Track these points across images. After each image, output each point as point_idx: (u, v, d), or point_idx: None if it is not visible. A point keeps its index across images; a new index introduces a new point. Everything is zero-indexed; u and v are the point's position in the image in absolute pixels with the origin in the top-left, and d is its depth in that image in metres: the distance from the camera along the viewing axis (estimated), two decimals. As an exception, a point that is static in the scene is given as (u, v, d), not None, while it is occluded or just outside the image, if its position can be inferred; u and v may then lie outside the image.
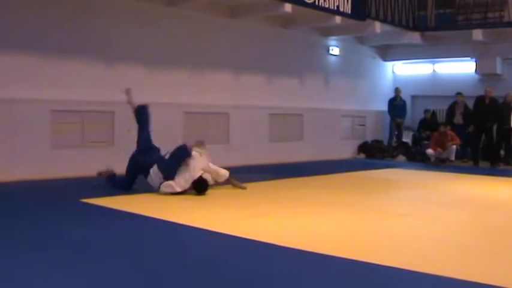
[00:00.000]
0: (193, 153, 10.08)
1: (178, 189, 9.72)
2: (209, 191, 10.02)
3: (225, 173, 10.63)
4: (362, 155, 19.36)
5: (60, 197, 9.40)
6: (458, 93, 18.29)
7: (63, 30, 12.20)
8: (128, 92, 10.81)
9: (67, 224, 7.49)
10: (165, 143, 13.23)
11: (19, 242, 6.35)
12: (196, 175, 9.85)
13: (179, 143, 12.48)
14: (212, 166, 10.50)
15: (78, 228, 7.22)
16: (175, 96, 14.16)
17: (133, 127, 10.72)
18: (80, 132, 12.49)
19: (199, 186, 9.83)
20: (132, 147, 10.47)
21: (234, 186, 10.69)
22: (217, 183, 10.52)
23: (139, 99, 13.12)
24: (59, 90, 12.13)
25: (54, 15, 12.06)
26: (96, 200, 9.02)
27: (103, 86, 12.76)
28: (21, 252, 5.83)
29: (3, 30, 11.36)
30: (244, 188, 10.63)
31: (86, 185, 10.12)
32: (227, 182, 10.67)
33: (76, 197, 9.22)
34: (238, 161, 15.15)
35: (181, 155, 10.06)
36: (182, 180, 9.77)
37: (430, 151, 17.31)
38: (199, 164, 10.07)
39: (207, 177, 10.20)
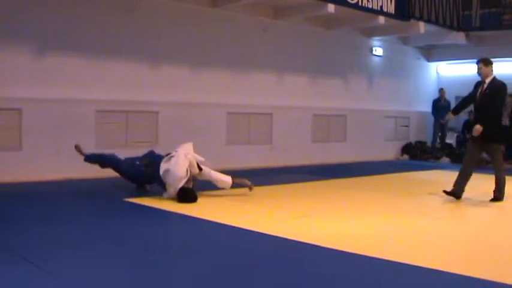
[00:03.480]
0: (173, 153, 9.51)
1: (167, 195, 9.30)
2: (249, 193, 10.04)
3: (229, 180, 9.87)
4: (405, 156, 19.24)
5: (104, 197, 9.50)
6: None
7: (108, 31, 12.35)
8: (78, 148, 10.36)
9: (114, 223, 7.60)
10: (208, 144, 13.41)
11: (71, 241, 6.46)
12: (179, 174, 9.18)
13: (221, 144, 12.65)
14: (214, 174, 9.79)
15: (124, 227, 7.33)
16: (219, 97, 14.24)
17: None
18: (124, 132, 12.62)
19: (183, 198, 9.10)
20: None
21: (243, 186, 10.19)
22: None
23: (183, 100, 13.28)
24: (104, 91, 12.29)
25: (100, 17, 12.22)
26: (139, 199, 9.13)
27: (147, 87, 12.89)
28: (74, 252, 5.93)
29: (49, 32, 11.55)
30: (250, 186, 10.11)
31: (129, 184, 10.18)
32: (234, 185, 10.11)
33: (120, 196, 9.35)
34: (280, 161, 15.21)
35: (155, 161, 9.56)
36: (172, 190, 9.23)
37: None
38: (181, 164, 9.27)
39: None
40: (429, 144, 19.68)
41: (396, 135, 19.45)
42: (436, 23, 17.47)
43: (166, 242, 6.55)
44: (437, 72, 21.41)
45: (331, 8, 14.18)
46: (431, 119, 19.59)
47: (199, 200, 9.22)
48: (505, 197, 9.87)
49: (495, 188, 9.97)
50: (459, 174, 10.05)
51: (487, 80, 10.04)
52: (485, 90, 9.99)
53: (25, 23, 11.22)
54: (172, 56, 13.45)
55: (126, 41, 12.66)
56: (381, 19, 15.69)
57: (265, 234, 6.84)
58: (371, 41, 18.59)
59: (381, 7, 15.31)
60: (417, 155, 18.97)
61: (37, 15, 11.37)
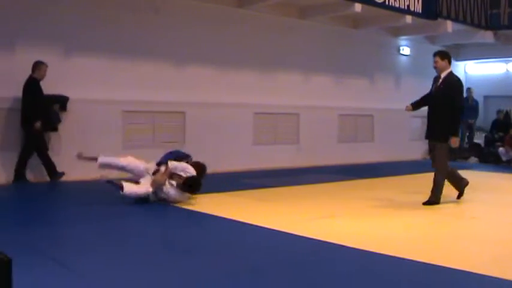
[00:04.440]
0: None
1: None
2: (275, 194, 10.02)
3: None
4: (433, 156, 19.10)
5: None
6: None
7: (135, 32, 12.43)
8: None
9: (140, 223, 7.66)
10: (235, 144, 13.48)
11: (99, 242, 6.51)
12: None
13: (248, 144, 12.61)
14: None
15: (149, 227, 7.38)
16: (245, 97, 14.25)
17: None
18: (151, 132, 12.67)
19: (192, 186, 8.89)
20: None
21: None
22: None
23: (209, 100, 13.29)
24: (131, 91, 12.36)
25: (126, 18, 12.31)
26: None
27: (174, 87, 12.94)
28: (102, 252, 5.98)
29: (78, 32, 11.65)
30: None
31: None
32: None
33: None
34: (307, 161, 15.19)
35: None
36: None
37: (501, 150, 17.10)
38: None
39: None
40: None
41: (423, 135, 19.26)
42: (464, 22, 17.35)
43: (192, 242, 6.56)
44: (465, 72, 21.24)
45: (357, 7, 14.15)
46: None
47: (225, 199, 9.24)
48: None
49: (432, 190, 9.37)
50: (447, 179, 9.57)
51: (443, 75, 9.41)
52: (440, 85, 9.46)
53: (51, 24, 11.34)
54: (199, 57, 13.49)
55: (153, 41, 12.72)
56: (408, 18, 15.62)
57: (291, 234, 6.84)
58: (398, 40, 18.52)
59: (408, 6, 15.23)
60: (445, 155, 18.81)
61: (63, 16, 11.48)
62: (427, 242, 6.74)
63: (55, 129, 11.45)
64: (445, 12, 16.64)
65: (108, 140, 12.01)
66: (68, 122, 11.56)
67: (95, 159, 9.22)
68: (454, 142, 9.28)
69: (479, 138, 19.63)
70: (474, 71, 21.10)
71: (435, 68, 9.52)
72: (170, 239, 6.67)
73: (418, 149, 18.98)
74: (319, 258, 5.86)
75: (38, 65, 10.83)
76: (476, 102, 19.27)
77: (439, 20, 16.51)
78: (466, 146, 19.19)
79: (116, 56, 12.17)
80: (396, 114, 18.10)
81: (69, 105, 11.50)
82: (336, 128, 16.57)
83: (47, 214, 7.96)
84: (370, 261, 5.73)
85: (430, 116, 9.75)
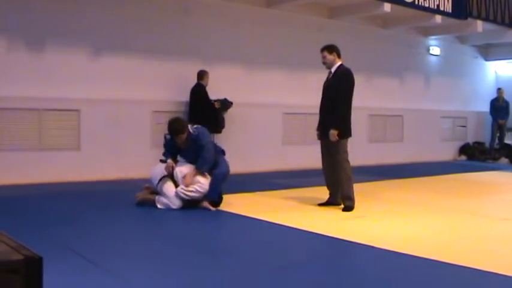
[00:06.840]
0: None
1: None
2: (307, 194, 10.01)
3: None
4: (463, 157, 18.97)
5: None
6: None
7: (164, 32, 12.50)
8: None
9: (173, 223, 7.69)
10: (264, 144, 13.46)
11: (135, 243, 6.54)
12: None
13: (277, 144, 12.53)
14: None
15: (183, 228, 7.42)
16: (274, 97, 14.24)
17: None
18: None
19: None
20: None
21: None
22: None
23: (237, 100, 13.25)
24: (159, 91, 12.41)
25: (156, 18, 12.37)
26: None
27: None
28: (139, 253, 6.01)
29: (107, 33, 11.75)
30: None
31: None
32: None
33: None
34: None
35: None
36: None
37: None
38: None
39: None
40: (487, 145, 19.38)
41: (453, 135, 19.20)
42: (494, 21, 17.19)
43: (215, 242, 6.58)
44: (495, 72, 21.06)
45: (387, 7, 14.10)
46: (490, 119, 19.30)
47: (254, 199, 9.25)
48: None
49: (341, 195, 8.79)
50: (327, 179, 9.09)
51: (333, 69, 9.06)
52: (330, 79, 9.12)
53: (82, 24, 11.43)
54: (227, 57, 13.51)
55: (182, 41, 12.77)
56: (438, 18, 15.52)
57: (320, 234, 6.83)
58: (428, 40, 18.41)
59: (438, 6, 15.14)
60: (475, 156, 18.69)
61: (94, 16, 11.57)
62: (458, 243, 6.67)
63: (219, 131, 12.60)
64: (475, 12, 16.49)
65: (136, 140, 12.07)
66: (99, 122, 11.65)
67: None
68: (334, 136, 8.71)
69: (510, 139, 19.45)
70: (505, 71, 20.88)
71: (324, 63, 9.16)
72: (201, 240, 6.68)
73: (449, 150, 18.89)
74: (348, 258, 5.85)
75: (204, 73, 12.47)
76: (507, 103, 19.11)
77: (469, 19, 16.37)
78: (496, 146, 19.04)
79: (145, 56, 12.22)
80: (426, 114, 18.07)
81: (99, 105, 11.60)
82: (366, 128, 16.49)
83: (78, 213, 7.99)
84: (401, 262, 5.68)
85: (322, 112, 9.20)
